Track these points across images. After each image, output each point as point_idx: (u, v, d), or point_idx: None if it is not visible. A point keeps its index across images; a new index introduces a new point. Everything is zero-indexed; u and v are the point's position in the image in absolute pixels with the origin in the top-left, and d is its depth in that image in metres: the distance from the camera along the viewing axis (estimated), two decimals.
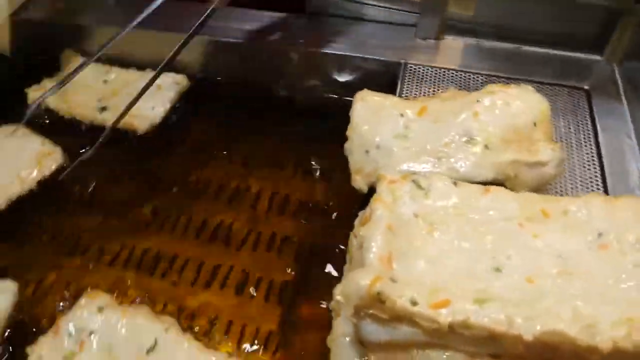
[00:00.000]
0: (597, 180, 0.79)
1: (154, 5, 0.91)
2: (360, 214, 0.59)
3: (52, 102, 0.99)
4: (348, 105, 0.80)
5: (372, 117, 0.79)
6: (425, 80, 0.95)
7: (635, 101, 0.91)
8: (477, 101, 0.77)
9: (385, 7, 1.06)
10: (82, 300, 0.71)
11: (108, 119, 0.94)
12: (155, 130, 0.96)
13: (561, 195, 0.78)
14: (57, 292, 0.78)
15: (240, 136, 1.00)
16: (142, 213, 0.88)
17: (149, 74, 1.04)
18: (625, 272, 0.51)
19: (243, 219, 0.87)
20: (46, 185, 0.89)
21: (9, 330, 0.71)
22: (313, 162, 0.94)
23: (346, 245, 0.70)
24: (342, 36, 1.05)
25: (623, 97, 0.92)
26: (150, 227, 0.86)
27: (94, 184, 0.93)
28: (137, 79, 1.04)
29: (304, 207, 0.88)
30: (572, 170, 0.81)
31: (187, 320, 0.74)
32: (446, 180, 0.61)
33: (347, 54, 1.01)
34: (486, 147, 0.74)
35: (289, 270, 0.79)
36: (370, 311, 0.46)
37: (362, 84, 0.86)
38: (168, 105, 0.99)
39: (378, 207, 0.54)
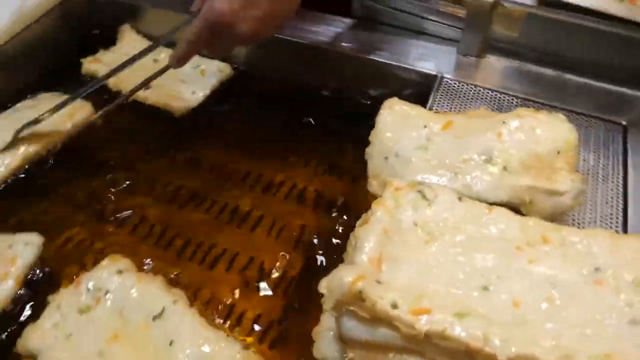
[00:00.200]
0: (617, 218, 0.78)
1: None
2: (363, 215, 0.61)
3: (103, 72, 1.05)
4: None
5: (396, 125, 0.81)
6: (459, 96, 0.96)
7: None
8: (504, 122, 0.78)
9: (430, 20, 1.07)
10: (105, 261, 0.76)
11: (149, 96, 0.99)
12: (191, 113, 1.00)
13: (578, 227, 0.77)
14: (81, 252, 0.83)
15: (273, 129, 1.03)
16: (167, 188, 0.93)
17: (197, 59, 1.10)
18: (615, 310, 0.50)
19: (261, 206, 0.90)
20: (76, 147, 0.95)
21: (32, 278, 0.77)
22: (340, 163, 0.96)
23: None
24: (383, 43, 1.06)
25: None
26: (175, 203, 0.90)
27: (123, 154, 0.98)
28: (191, 63, 1.08)
29: (321, 204, 0.90)
30: (593, 204, 0.80)
31: (194, 296, 0.78)
32: (451, 194, 0.61)
33: (386, 61, 1.03)
34: (504, 168, 0.74)
35: (299, 262, 0.82)
36: (351, 308, 0.48)
37: (396, 92, 0.88)
38: (208, 92, 1.03)
39: (378, 210, 0.56)
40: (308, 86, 1.09)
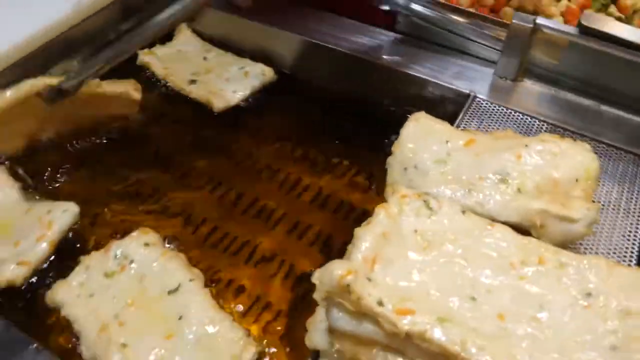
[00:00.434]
0: (632, 252, 0.77)
1: None
2: (369, 219, 0.64)
3: (155, 65, 1.13)
4: None
5: (419, 137, 0.83)
6: (489, 117, 0.97)
7: None
8: (525, 145, 0.78)
9: (471, 40, 1.09)
10: (135, 233, 0.82)
11: (193, 91, 1.06)
12: (229, 111, 1.07)
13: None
14: (113, 225, 0.90)
15: (306, 134, 1.08)
16: (198, 177, 0.99)
17: (243, 60, 1.16)
18: (597, 336, 0.51)
19: (286, 205, 0.94)
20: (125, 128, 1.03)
21: (64, 243, 0.84)
22: (368, 171, 1.00)
23: None
24: (422, 59, 1.09)
25: None
26: (204, 190, 0.96)
27: (162, 141, 1.05)
28: (231, 62, 1.16)
29: (342, 208, 0.94)
30: (609, 236, 0.79)
31: (210, 280, 0.82)
32: (455, 207, 0.63)
33: (422, 76, 1.06)
34: (519, 190, 0.75)
35: (314, 260, 0.85)
36: (339, 300, 0.51)
37: (428, 107, 0.90)
38: (248, 92, 1.09)
39: (380, 213, 0.59)
40: (345, 94, 1.14)
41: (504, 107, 0.98)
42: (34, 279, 0.79)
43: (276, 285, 0.83)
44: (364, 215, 0.90)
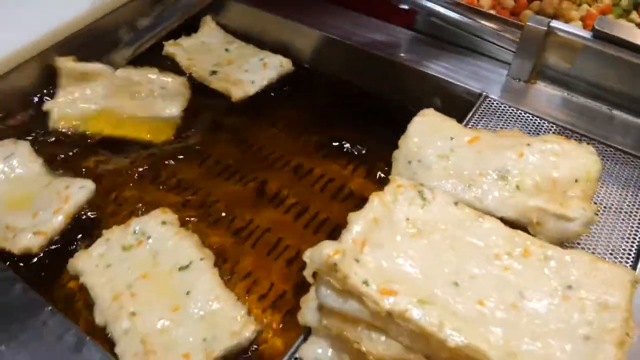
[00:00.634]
0: (629, 255, 0.78)
1: None
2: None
3: (180, 55, 1.18)
4: None
5: (425, 133, 0.86)
6: (498, 117, 0.99)
7: None
8: (528, 144, 0.80)
9: (488, 41, 1.10)
10: (155, 212, 0.88)
11: (213, 80, 1.11)
12: (247, 100, 1.11)
13: None
14: (127, 204, 0.95)
15: (320, 125, 1.11)
16: (215, 163, 1.04)
17: (263, 52, 1.20)
18: (572, 326, 0.53)
19: (297, 193, 0.98)
20: None
21: (79, 217, 0.90)
22: (377, 165, 1.03)
23: None
24: (438, 58, 1.11)
25: None
26: (221, 176, 1.01)
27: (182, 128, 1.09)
28: (251, 53, 1.20)
29: (351, 198, 0.97)
30: (608, 237, 0.81)
31: (220, 259, 0.86)
32: (449, 199, 0.66)
33: (435, 74, 1.08)
34: (518, 187, 0.77)
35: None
36: (327, 278, 0.54)
37: (440, 104, 0.93)
38: (265, 82, 1.13)
39: (374, 199, 0.62)
40: (360, 89, 1.17)
41: (514, 107, 1.00)
42: (48, 249, 0.85)
43: (281, 269, 0.87)
44: None
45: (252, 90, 1.11)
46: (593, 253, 0.79)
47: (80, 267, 0.80)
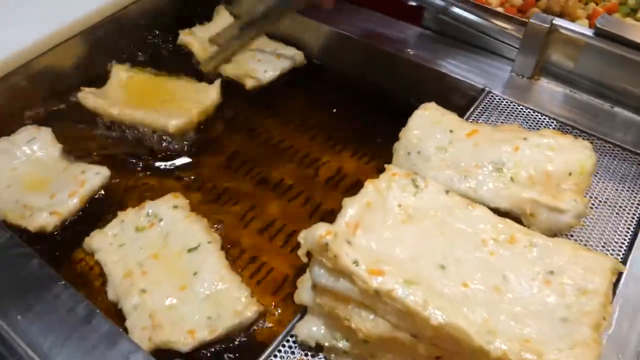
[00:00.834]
0: (620, 249, 0.80)
1: None
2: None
3: (195, 45, 1.22)
4: None
5: (425, 126, 0.89)
6: (499, 112, 1.01)
7: None
8: (524, 139, 0.83)
9: (494, 38, 1.12)
10: (167, 196, 0.93)
11: (228, 69, 1.16)
12: (259, 89, 1.15)
13: None
14: (139, 191, 1.00)
15: (328, 117, 1.14)
16: (225, 152, 1.08)
17: (276, 44, 1.24)
18: (551, 308, 0.56)
19: (302, 183, 1.02)
20: None
21: (93, 201, 0.95)
22: (381, 156, 1.05)
23: None
24: (444, 54, 1.13)
25: None
26: (230, 168, 1.05)
27: None
28: (265, 44, 1.24)
29: (354, 189, 0.99)
30: (601, 230, 0.83)
31: (227, 243, 0.91)
32: (439, 187, 0.69)
33: (440, 70, 1.10)
34: (512, 179, 0.80)
35: None
36: (320, 258, 0.58)
37: (443, 99, 0.95)
38: (277, 73, 1.16)
39: (369, 186, 0.65)
40: (369, 84, 1.20)
41: (515, 103, 1.02)
42: (63, 228, 0.91)
43: (285, 255, 0.91)
44: None
45: (264, 79, 1.15)
46: (586, 245, 0.81)
47: (95, 245, 0.85)
